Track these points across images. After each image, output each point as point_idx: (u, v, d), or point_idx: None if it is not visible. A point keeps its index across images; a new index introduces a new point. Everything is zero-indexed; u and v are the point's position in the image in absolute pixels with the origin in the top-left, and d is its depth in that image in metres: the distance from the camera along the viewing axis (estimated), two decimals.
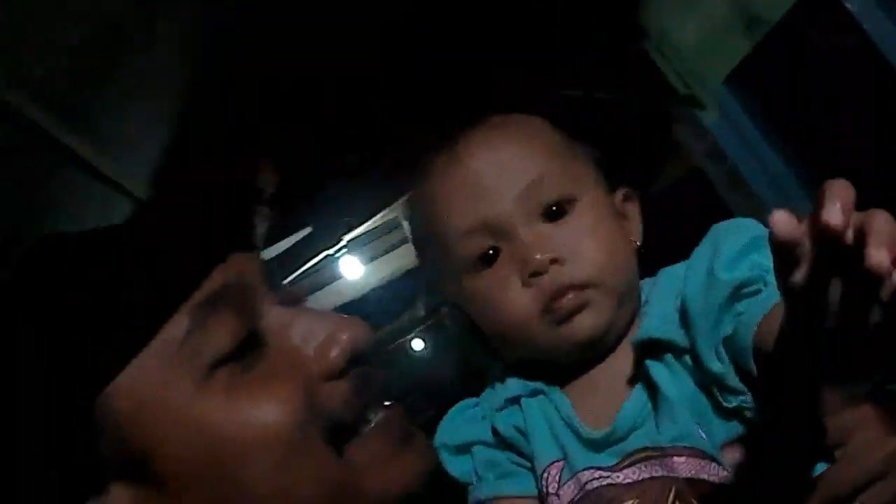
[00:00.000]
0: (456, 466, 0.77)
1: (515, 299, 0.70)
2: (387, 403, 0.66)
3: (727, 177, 1.80)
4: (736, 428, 0.65)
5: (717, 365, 0.64)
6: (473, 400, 0.80)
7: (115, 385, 0.60)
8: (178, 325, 0.61)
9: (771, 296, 0.59)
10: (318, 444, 0.62)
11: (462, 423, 0.78)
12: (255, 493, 0.61)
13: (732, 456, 0.58)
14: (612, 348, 0.73)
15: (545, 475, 0.72)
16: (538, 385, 0.75)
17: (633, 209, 0.79)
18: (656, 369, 0.69)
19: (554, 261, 0.69)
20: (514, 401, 0.76)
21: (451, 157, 0.73)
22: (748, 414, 0.65)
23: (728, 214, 1.13)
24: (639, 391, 0.70)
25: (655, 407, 0.69)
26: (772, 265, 0.47)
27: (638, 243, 0.77)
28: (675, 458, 0.66)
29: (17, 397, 0.61)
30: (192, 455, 0.61)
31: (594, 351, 0.73)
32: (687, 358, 0.68)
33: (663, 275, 0.75)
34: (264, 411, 0.61)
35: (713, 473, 0.65)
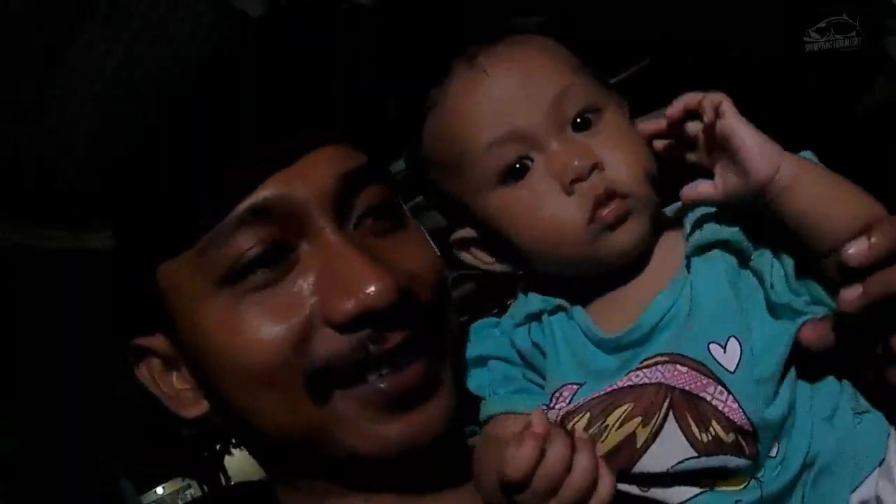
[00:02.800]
0: (472, 379, 0.77)
1: (559, 209, 0.69)
2: (401, 366, 0.67)
3: None
4: (779, 335, 0.64)
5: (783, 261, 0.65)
6: (495, 319, 0.79)
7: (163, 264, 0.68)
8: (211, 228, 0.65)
9: None
10: (297, 384, 0.65)
11: (481, 338, 0.78)
12: (236, 399, 0.67)
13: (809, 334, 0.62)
14: (642, 263, 0.72)
15: (556, 394, 0.70)
16: (560, 301, 0.73)
17: (634, 125, 0.77)
18: (696, 270, 0.68)
19: (595, 166, 0.68)
20: (535, 317, 0.75)
21: (474, 70, 0.71)
22: (797, 309, 0.64)
23: None
24: (666, 294, 0.68)
25: (681, 313, 0.67)
26: None
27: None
28: (679, 367, 0.65)
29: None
30: (196, 342, 0.67)
31: (632, 261, 0.71)
32: (733, 261, 0.67)
33: None
34: (250, 333, 0.65)
35: (717, 397, 0.63)
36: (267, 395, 0.65)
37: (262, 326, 0.64)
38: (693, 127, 0.68)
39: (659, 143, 0.73)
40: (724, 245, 0.68)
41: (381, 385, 0.66)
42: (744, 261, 0.69)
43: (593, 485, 0.60)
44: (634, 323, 0.69)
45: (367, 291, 0.63)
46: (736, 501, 0.63)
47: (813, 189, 0.63)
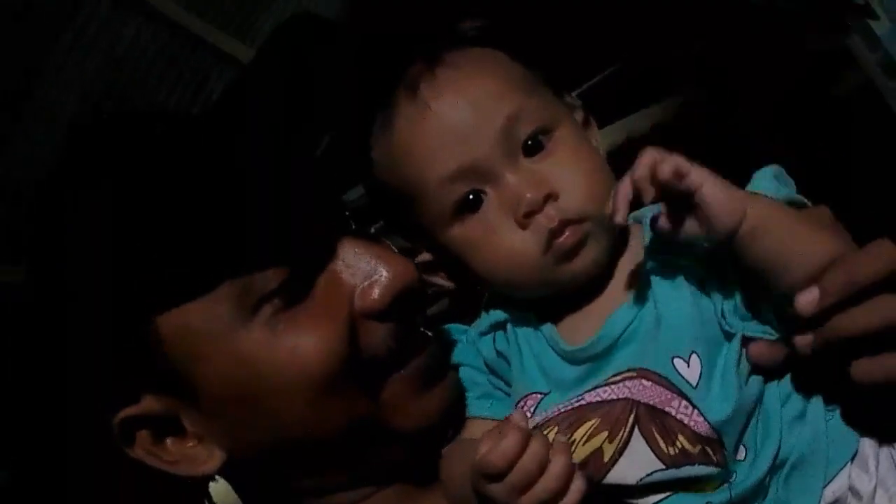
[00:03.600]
0: None
1: (514, 242, 0.68)
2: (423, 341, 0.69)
3: None
4: (731, 351, 0.64)
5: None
6: (462, 327, 0.79)
7: (166, 311, 0.63)
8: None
9: None
10: (352, 382, 0.64)
11: (448, 344, 0.77)
12: (284, 421, 0.65)
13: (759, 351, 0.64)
14: (605, 276, 0.71)
15: (522, 403, 0.71)
16: (525, 313, 0.73)
17: (593, 129, 0.76)
18: (659, 284, 0.67)
19: (548, 196, 0.67)
20: (500, 326, 0.75)
21: (417, 105, 0.69)
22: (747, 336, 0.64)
23: None
24: (628, 307, 0.68)
25: (644, 327, 0.67)
26: None
27: None
28: (643, 381, 0.64)
29: (71, 304, 0.65)
30: (230, 381, 0.64)
31: (595, 280, 0.71)
32: (699, 272, 0.66)
33: None
34: (304, 349, 0.63)
35: (682, 411, 0.63)
36: (323, 403, 0.64)
37: (312, 336, 0.64)
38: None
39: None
40: (683, 268, 0.67)
41: (420, 363, 0.68)
42: (700, 283, 0.67)
43: (566, 488, 0.59)
44: (596, 336, 0.68)
45: (391, 277, 0.66)
46: (707, 502, 0.63)
47: (774, 237, 0.60)
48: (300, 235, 0.66)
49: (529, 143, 0.68)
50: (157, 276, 0.62)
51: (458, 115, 0.68)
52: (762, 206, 0.61)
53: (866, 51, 2.29)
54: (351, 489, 0.71)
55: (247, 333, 0.63)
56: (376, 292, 0.65)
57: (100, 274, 0.64)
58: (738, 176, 0.65)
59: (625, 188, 0.60)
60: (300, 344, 0.63)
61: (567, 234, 0.67)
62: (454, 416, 0.72)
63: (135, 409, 0.65)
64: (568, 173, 0.68)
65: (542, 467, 0.59)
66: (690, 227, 0.61)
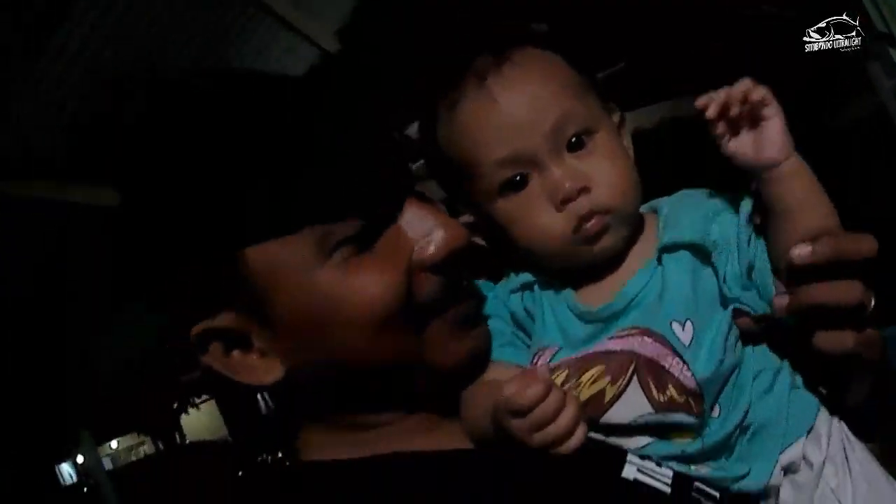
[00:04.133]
0: None
1: (549, 222, 0.81)
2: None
3: None
4: (722, 321, 0.77)
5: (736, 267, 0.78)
6: (489, 283, 0.92)
7: (257, 244, 0.72)
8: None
9: None
10: (403, 321, 0.75)
11: (482, 298, 0.89)
12: (342, 349, 0.76)
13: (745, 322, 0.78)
14: (621, 257, 0.85)
15: (539, 353, 0.83)
16: (551, 279, 0.86)
17: (625, 131, 0.89)
18: (666, 261, 0.81)
19: (582, 189, 0.80)
20: (529, 286, 0.88)
21: (483, 95, 0.81)
22: (744, 303, 0.77)
23: None
24: (637, 281, 0.82)
25: (649, 297, 0.80)
26: None
27: None
28: (645, 338, 0.77)
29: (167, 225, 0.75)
30: (302, 310, 0.74)
31: (610, 261, 0.85)
32: (698, 259, 0.80)
33: (686, 195, 0.87)
34: (371, 290, 0.74)
35: (674, 366, 0.76)
36: (379, 336, 0.74)
37: (376, 280, 0.74)
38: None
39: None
40: (690, 247, 0.80)
41: (460, 311, 0.79)
42: (706, 259, 0.80)
43: (572, 431, 0.72)
44: (612, 300, 0.81)
45: (446, 237, 0.76)
46: (682, 451, 0.76)
47: (801, 183, 0.75)
48: (375, 193, 0.76)
49: (573, 140, 0.81)
50: (253, 214, 0.72)
51: (518, 109, 0.81)
52: (801, 161, 0.75)
53: (883, 77, 2.35)
54: (381, 412, 0.80)
55: (322, 271, 0.73)
56: (433, 248, 0.76)
57: (200, 207, 0.73)
58: (740, 175, 0.79)
59: (722, 95, 0.74)
60: (366, 285, 0.74)
61: (593, 221, 0.80)
62: (482, 359, 0.82)
63: (214, 322, 0.75)
64: (602, 172, 0.81)
65: (557, 413, 0.71)
66: (744, 146, 0.76)
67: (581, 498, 0.73)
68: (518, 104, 0.81)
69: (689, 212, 0.83)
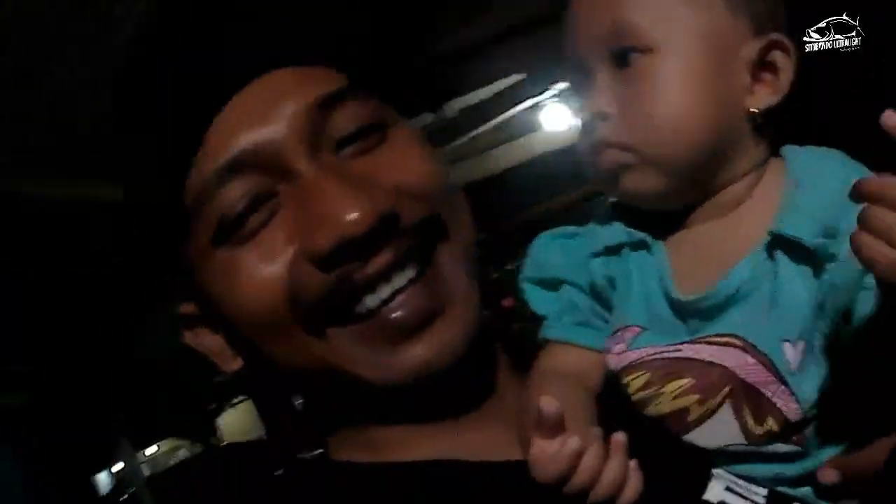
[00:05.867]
0: (538, 301, 0.77)
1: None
2: (400, 287, 0.65)
3: None
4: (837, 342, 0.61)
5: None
6: (570, 229, 0.77)
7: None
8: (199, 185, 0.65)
9: None
10: (296, 324, 0.65)
11: (557, 256, 0.76)
12: (255, 350, 0.69)
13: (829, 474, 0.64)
14: (723, 209, 0.69)
15: (619, 333, 0.70)
16: (644, 237, 0.71)
17: (784, 61, 0.67)
18: (782, 259, 0.64)
19: (605, 116, 0.67)
20: (615, 250, 0.72)
21: None
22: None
23: None
24: (748, 265, 0.65)
25: (758, 296, 0.64)
26: None
27: (753, 110, 0.67)
28: (748, 358, 0.63)
29: None
30: (211, 302, 0.69)
31: (723, 217, 0.69)
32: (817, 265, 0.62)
33: (829, 158, 0.67)
34: (244, 288, 0.65)
35: (778, 395, 0.62)
36: (273, 338, 0.66)
37: (255, 273, 0.64)
38: None
39: None
40: (805, 250, 0.62)
41: (373, 319, 0.65)
42: (819, 269, 0.62)
43: (621, 489, 0.60)
44: (712, 289, 0.66)
45: (341, 222, 0.61)
46: (776, 474, 0.66)
47: None
48: (268, 164, 0.65)
49: (625, 56, 0.67)
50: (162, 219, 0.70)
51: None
52: None
53: None
54: (380, 418, 0.71)
55: (214, 259, 0.66)
56: (318, 238, 0.62)
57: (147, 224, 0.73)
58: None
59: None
60: (242, 277, 0.65)
61: (606, 155, 0.69)
62: (443, 371, 0.66)
63: (184, 308, 0.75)
64: (637, 100, 0.68)
65: (597, 475, 0.59)
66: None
67: None
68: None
69: (823, 189, 0.63)
